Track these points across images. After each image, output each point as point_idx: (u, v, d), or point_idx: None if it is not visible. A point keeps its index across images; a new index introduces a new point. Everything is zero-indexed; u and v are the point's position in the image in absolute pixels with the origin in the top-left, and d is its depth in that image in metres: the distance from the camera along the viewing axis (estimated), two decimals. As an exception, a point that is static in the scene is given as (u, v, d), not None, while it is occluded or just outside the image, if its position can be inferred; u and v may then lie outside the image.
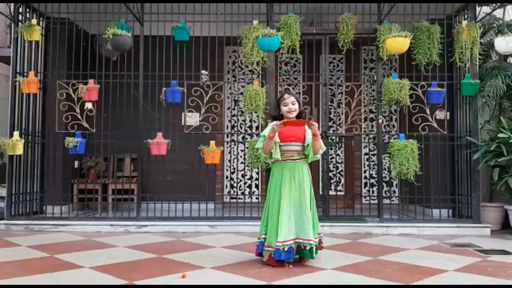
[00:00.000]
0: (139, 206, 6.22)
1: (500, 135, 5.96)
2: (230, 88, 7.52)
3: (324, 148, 4.40)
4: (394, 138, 6.19)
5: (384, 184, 6.66)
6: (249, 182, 7.44)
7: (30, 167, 6.39)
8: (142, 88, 6.25)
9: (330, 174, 7.17)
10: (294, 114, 4.25)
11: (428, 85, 6.14)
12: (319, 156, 4.34)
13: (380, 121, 6.32)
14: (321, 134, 6.21)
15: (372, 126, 7.58)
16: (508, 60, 6.82)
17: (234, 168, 7.53)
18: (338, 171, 7.62)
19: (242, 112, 6.52)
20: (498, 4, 6.56)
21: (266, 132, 4.18)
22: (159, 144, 5.98)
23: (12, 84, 6.28)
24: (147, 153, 6.13)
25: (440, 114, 6.27)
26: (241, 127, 7.62)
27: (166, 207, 6.22)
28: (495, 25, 6.75)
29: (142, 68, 6.24)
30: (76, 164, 6.87)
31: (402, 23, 6.13)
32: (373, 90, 7.26)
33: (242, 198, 6.46)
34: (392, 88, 5.94)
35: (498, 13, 6.71)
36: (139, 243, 5.19)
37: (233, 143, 7.01)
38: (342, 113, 7.29)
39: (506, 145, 5.88)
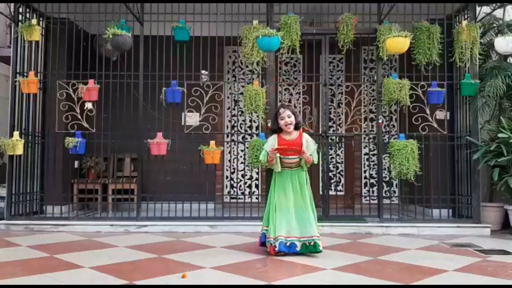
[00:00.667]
0: (139, 206, 6.22)
1: (500, 135, 5.96)
2: (230, 88, 7.52)
3: (317, 159, 4.83)
4: (394, 138, 6.19)
5: (384, 184, 6.66)
6: (249, 182, 7.44)
7: (30, 167, 6.39)
8: (142, 88, 6.25)
9: (330, 174, 7.17)
10: (291, 128, 4.64)
11: (428, 85, 6.14)
12: (316, 162, 4.78)
13: (380, 121, 6.32)
14: (321, 134, 6.31)
15: (372, 126, 7.58)
16: (508, 60, 6.82)
17: (234, 168, 7.53)
18: (338, 171, 7.62)
19: (242, 112, 6.51)
20: (498, 4, 6.56)
21: (267, 147, 4.65)
22: (159, 144, 5.98)
23: (12, 84, 6.28)
24: (147, 153, 6.13)
25: (440, 114, 6.27)
26: (241, 127, 7.62)
27: (166, 207, 6.22)
28: (495, 25, 6.75)
29: (142, 68, 6.24)
30: (76, 164, 6.87)
31: (402, 23, 6.13)
32: (373, 90, 7.26)
33: (242, 198, 6.46)
34: (392, 88, 5.94)
35: (498, 13, 6.71)
36: (139, 243, 5.19)
37: (233, 143, 7.01)
38: (342, 113, 7.29)
39: (506, 145, 5.88)
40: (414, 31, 6.14)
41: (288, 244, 4.47)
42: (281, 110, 4.68)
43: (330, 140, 6.66)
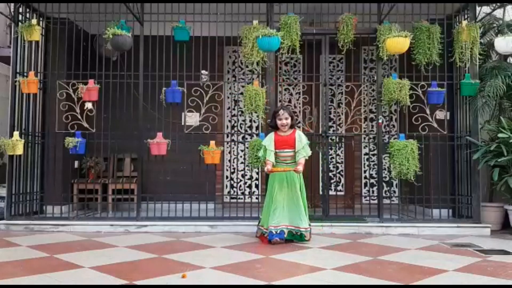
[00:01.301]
0: (139, 206, 6.22)
1: (500, 135, 5.96)
2: (230, 88, 7.52)
3: (309, 152, 5.43)
4: (394, 138, 6.19)
5: (384, 184, 6.66)
6: (249, 182, 7.44)
7: (30, 167, 6.39)
8: (142, 88, 6.25)
9: (330, 174, 7.17)
10: (286, 128, 5.34)
11: (428, 85, 6.14)
12: (309, 154, 5.43)
13: (380, 121, 6.32)
14: (321, 134, 6.32)
15: (372, 126, 7.58)
16: (508, 60, 6.82)
17: (234, 168, 7.53)
18: (338, 171, 7.62)
19: (242, 112, 6.51)
20: (498, 4, 6.57)
21: (266, 143, 5.33)
22: (159, 144, 5.98)
23: (12, 84, 6.28)
24: (147, 153, 6.13)
25: (440, 114, 6.27)
26: (241, 127, 7.62)
27: (166, 207, 6.22)
28: (495, 25, 6.75)
29: (142, 68, 6.24)
30: (76, 164, 6.87)
31: (402, 23, 6.13)
32: (373, 90, 7.26)
33: (242, 198, 6.46)
34: (392, 88, 5.94)
35: (498, 13, 6.71)
36: (139, 243, 5.19)
37: (233, 143, 7.01)
38: (342, 113, 7.29)
39: (506, 145, 5.88)
40: (414, 31, 6.14)
41: (278, 232, 5.13)
42: (281, 111, 5.31)
43: (330, 140, 6.65)
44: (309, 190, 7.08)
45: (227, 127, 7.67)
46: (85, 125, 6.18)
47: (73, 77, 6.41)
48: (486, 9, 6.69)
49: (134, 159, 6.88)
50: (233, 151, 7.37)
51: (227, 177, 7.69)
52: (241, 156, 7.39)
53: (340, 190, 7.53)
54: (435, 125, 6.20)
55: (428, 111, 6.19)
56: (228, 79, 7.56)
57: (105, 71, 6.24)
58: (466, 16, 6.32)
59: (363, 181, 7.69)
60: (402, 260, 4.47)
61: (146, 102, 6.30)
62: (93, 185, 6.44)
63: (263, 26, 5.97)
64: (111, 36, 5.58)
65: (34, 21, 6.14)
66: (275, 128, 5.40)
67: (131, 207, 6.48)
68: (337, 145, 7.44)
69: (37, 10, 6.44)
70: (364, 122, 7.55)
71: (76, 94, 6.11)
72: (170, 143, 6.06)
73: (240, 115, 7.50)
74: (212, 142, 6.02)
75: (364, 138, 7.27)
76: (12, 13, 6.26)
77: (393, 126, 7.46)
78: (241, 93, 6.80)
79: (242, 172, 7.28)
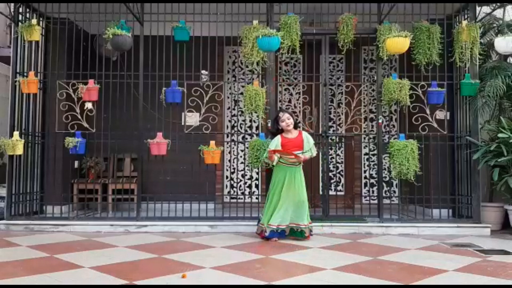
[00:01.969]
0: (139, 206, 6.22)
1: (500, 135, 5.96)
2: (230, 88, 7.52)
3: (315, 151, 5.59)
4: (394, 138, 6.19)
5: (384, 184, 6.66)
6: (249, 182, 7.43)
7: (30, 167, 6.39)
8: (142, 88, 6.25)
9: (330, 174, 7.17)
10: (291, 127, 5.43)
11: (428, 85, 6.14)
12: (315, 154, 5.58)
13: (380, 121, 6.32)
14: (321, 134, 6.32)
15: (372, 126, 7.58)
16: (508, 60, 6.82)
17: (234, 168, 7.53)
18: (338, 171, 7.62)
19: (242, 112, 6.51)
20: (498, 4, 6.57)
21: (272, 146, 5.38)
22: (159, 144, 5.97)
23: (12, 84, 6.28)
24: (147, 153, 6.13)
25: (440, 114, 6.27)
26: (241, 127, 7.62)
27: (166, 207, 6.22)
28: (495, 25, 6.75)
29: (142, 68, 6.24)
30: (76, 164, 6.87)
31: (402, 23, 6.13)
32: (373, 90, 7.26)
33: (242, 198, 6.46)
34: (392, 88, 5.93)
35: (498, 13, 6.72)
36: (139, 243, 5.19)
37: (233, 143, 7.01)
38: (342, 113, 7.29)
39: (506, 145, 5.88)
40: (414, 31, 6.14)
41: (279, 231, 5.31)
42: (281, 114, 5.47)
43: (330, 140, 6.65)
44: (309, 190, 7.08)
45: (227, 127, 7.67)
46: (85, 125, 6.18)
47: (73, 77, 6.41)
48: (486, 9, 6.68)
49: (134, 159, 6.88)
50: (233, 151, 7.37)
51: (227, 177, 7.69)
52: (241, 156, 7.39)
53: (340, 190, 7.53)
54: (435, 125, 6.20)
55: (428, 111, 6.19)
56: (228, 79, 7.56)
57: (105, 71, 6.24)
58: (466, 16, 6.32)
59: (363, 181, 7.69)
60: (402, 260, 4.47)
61: (146, 102, 6.30)
62: (93, 185, 6.44)
63: (263, 26, 5.97)
64: (111, 36, 5.58)
65: (34, 21, 6.14)
66: (278, 132, 5.48)
67: (131, 207, 6.48)
68: (337, 145, 7.43)
69: (37, 10, 6.44)
70: (364, 122, 7.55)
71: (76, 94, 6.11)
72: (170, 143, 6.06)
73: (240, 115, 7.50)
74: (212, 142, 6.02)
75: (364, 138, 7.27)
76: (12, 13, 6.26)
77: (393, 126, 7.46)
78: (241, 93, 6.80)
79: (242, 172, 7.28)
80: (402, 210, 6.51)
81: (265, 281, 3.69)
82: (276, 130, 5.49)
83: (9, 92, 6.39)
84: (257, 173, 7.40)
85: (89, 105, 6.06)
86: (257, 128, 7.60)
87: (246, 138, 6.98)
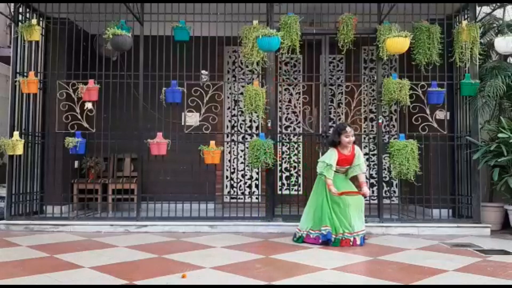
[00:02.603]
0: (139, 206, 6.22)
1: (500, 135, 5.96)
2: (230, 88, 7.52)
3: (365, 168, 5.53)
4: (394, 138, 6.19)
5: (384, 184, 6.66)
6: (249, 182, 7.44)
7: (30, 167, 6.39)
8: (142, 88, 6.25)
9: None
10: (350, 145, 5.31)
11: (428, 85, 6.14)
12: (364, 170, 5.45)
13: (380, 121, 6.31)
14: (321, 134, 6.32)
15: (372, 126, 7.58)
16: (508, 60, 6.82)
17: (234, 168, 7.53)
18: (338, 171, 7.60)
19: (242, 112, 6.51)
20: (498, 4, 6.57)
21: (329, 160, 5.20)
22: (159, 144, 5.97)
23: (12, 84, 6.28)
24: (147, 153, 6.13)
25: (440, 114, 6.27)
26: (241, 127, 7.62)
27: (166, 207, 6.22)
28: (495, 25, 6.75)
29: (142, 68, 6.24)
30: (76, 164, 6.87)
31: (402, 23, 6.13)
32: (373, 90, 7.26)
33: (242, 198, 6.46)
34: (392, 88, 5.93)
35: (498, 13, 6.72)
36: (139, 243, 5.20)
37: (233, 143, 7.01)
38: (342, 113, 7.29)
39: (506, 145, 5.88)
40: (414, 31, 6.13)
41: (325, 233, 5.10)
42: (348, 129, 5.25)
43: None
44: (309, 190, 7.09)
45: (227, 127, 7.67)
46: (85, 125, 6.18)
47: (73, 77, 6.41)
48: (486, 9, 6.68)
49: (134, 159, 6.88)
50: (233, 151, 7.37)
51: (227, 177, 7.68)
52: (241, 156, 7.39)
53: (340, 190, 7.51)
54: (435, 125, 6.20)
55: (428, 111, 6.19)
56: (228, 79, 7.56)
57: (105, 71, 6.24)
58: (466, 16, 6.32)
59: (363, 181, 7.67)
60: (402, 260, 4.47)
61: (146, 102, 6.30)
62: (93, 185, 6.44)
63: (263, 26, 5.96)
64: (111, 36, 5.58)
65: (34, 21, 6.14)
66: (336, 145, 5.27)
67: (131, 207, 6.48)
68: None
69: (37, 10, 6.44)
70: (364, 122, 7.55)
71: (76, 94, 6.12)
72: (170, 143, 6.06)
73: (240, 115, 7.50)
74: (212, 142, 6.02)
75: (364, 138, 7.27)
76: (12, 13, 6.26)
77: (393, 126, 7.46)
78: (241, 93, 6.80)
79: (242, 172, 7.28)
80: (402, 210, 6.51)
81: (265, 281, 3.69)
82: (337, 142, 5.24)
83: (9, 92, 6.40)
84: (257, 173, 7.40)
85: (89, 105, 6.06)
86: (257, 128, 7.60)
87: (246, 138, 6.98)
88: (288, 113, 7.78)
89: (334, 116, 7.21)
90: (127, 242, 5.26)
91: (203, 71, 6.38)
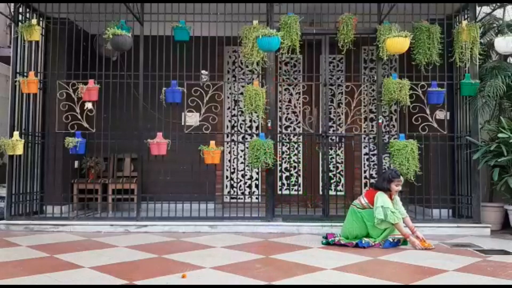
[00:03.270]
0: (139, 206, 6.22)
1: (500, 135, 5.96)
2: (230, 88, 7.52)
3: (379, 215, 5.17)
4: (394, 138, 6.19)
5: (384, 184, 6.64)
6: (249, 182, 7.44)
7: (30, 167, 6.39)
8: (142, 88, 6.25)
9: (330, 174, 7.16)
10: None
11: (428, 85, 6.14)
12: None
13: (380, 121, 6.31)
14: (321, 134, 6.32)
15: (372, 126, 7.58)
16: (508, 60, 6.82)
17: (234, 168, 7.53)
18: (338, 171, 7.61)
19: (242, 112, 6.51)
20: (498, 4, 6.57)
21: (386, 204, 5.04)
22: (159, 144, 5.97)
23: (12, 84, 6.28)
24: (147, 153, 6.13)
25: (440, 114, 6.27)
26: (241, 127, 7.62)
27: (166, 207, 6.22)
28: (495, 25, 6.75)
29: (142, 68, 6.24)
30: (76, 164, 6.87)
31: (402, 23, 6.13)
32: (373, 90, 7.26)
33: (242, 198, 6.46)
34: (392, 88, 5.93)
35: (498, 13, 6.72)
36: (139, 243, 5.19)
37: (233, 143, 7.01)
38: (342, 113, 7.29)
39: (506, 145, 5.88)
40: (414, 31, 6.13)
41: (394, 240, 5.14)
42: (401, 178, 5.25)
43: (330, 140, 6.65)
44: (309, 190, 7.11)
45: (227, 127, 7.67)
46: (85, 125, 6.18)
47: (73, 77, 6.41)
48: (486, 9, 6.68)
49: (134, 159, 6.88)
50: (233, 151, 7.36)
51: (227, 177, 7.68)
52: (241, 156, 7.39)
53: (340, 190, 7.51)
54: (435, 125, 6.20)
55: (428, 111, 6.19)
56: (228, 79, 7.56)
57: (105, 71, 6.24)
58: (466, 16, 6.32)
59: (363, 181, 7.68)
60: (402, 260, 4.47)
61: (146, 102, 6.29)
62: (93, 185, 6.44)
63: (263, 26, 5.96)
64: (111, 36, 5.58)
65: (34, 21, 6.14)
66: (385, 190, 5.19)
67: (131, 207, 6.48)
68: (337, 145, 7.43)
69: (37, 10, 6.44)
70: (364, 122, 7.55)
71: (76, 94, 6.11)
72: (170, 143, 6.06)
73: (240, 115, 7.50)
74: (212, 142, 6.02)
75: (364, 138, 7.27)
76: (12, 13, 6.26)
77: (393, 126, 7.46)
78: (241, 93, 6.80)
79: (242, 172, 7.28)
80: (402, 210, 6.49)
81: (265, 281, 3.69)
82: (386, 188, 5.17)
83: (9, 92, 6.40)
84: (257, 173, 7.40)
85: (89, 105, 6.06)
86: (257, 128, 7.60)
87: (246, 138, 6.98)
88: (288, 113, 7.79)
89: (334, 116, 7.21)
90: (127, 242, 5.25)
91: (203, 71, 6.38)
